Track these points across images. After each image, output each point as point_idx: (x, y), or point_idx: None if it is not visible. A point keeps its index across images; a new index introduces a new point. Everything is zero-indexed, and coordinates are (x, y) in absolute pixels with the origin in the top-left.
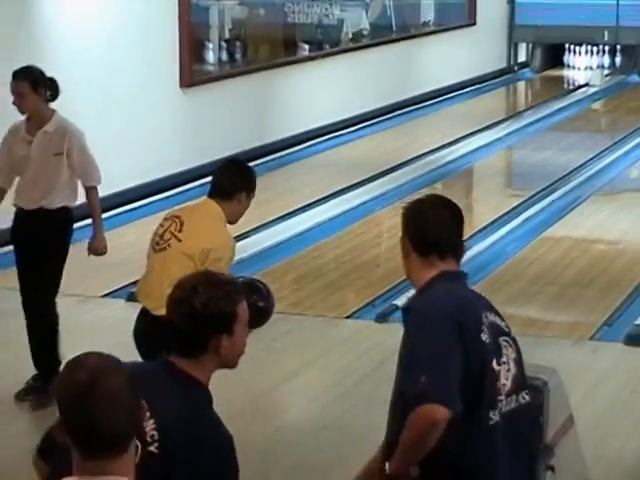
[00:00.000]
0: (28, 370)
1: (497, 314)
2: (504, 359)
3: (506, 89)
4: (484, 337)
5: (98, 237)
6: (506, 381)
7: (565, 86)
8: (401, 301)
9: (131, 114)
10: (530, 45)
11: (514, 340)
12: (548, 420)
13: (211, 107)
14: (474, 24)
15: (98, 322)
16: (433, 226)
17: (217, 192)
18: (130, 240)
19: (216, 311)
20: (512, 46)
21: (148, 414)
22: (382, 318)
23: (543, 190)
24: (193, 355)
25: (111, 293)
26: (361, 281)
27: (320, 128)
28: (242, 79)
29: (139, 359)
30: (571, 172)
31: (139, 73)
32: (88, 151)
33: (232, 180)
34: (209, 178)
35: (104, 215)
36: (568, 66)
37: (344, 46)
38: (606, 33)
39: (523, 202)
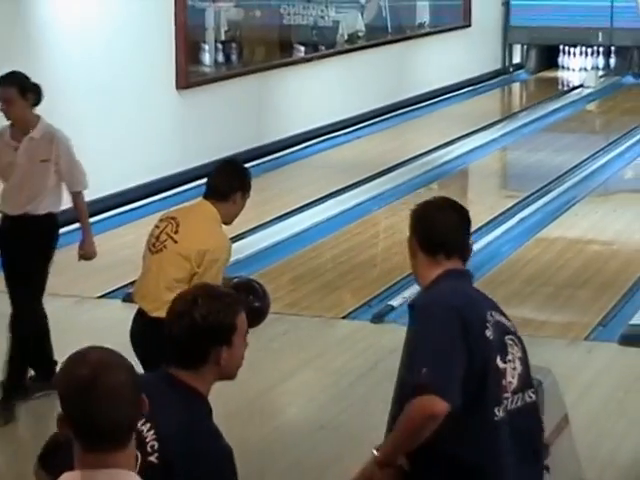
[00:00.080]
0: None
1: (503, 314)
2: (510, 357)
3: (501, 90)
4: (488, 333)
5: (87, 242)
6: (512, 379)
7: (560, 87)
8: (397, 301)
9: (127, 115)
10: (525, 46)
11: (520, 339)
12: (543, 420)
13: (207, 108)
14: (469, 26)
15: (94, 323)
16: (440, 226)
17: (212, 193)
18: (126, 241)
19: (216, 323)
20: (507, 47)
21: (149, 425)
22: (378, 318)
23: (538, 191)
24: (193, 367)
25: (108, 294)
26: (357, 281)
27: (316, 129)
28: (238, 81)
29: (135, 360)
30: (566, 173)
31: (135, 75)
32: (75, 157)
33: (228, 181)
34: (205, 179)
35: (102, 216)
36: (563, 67)
37: (340, 48)
38: (600, 34)
39: (518, 203)
